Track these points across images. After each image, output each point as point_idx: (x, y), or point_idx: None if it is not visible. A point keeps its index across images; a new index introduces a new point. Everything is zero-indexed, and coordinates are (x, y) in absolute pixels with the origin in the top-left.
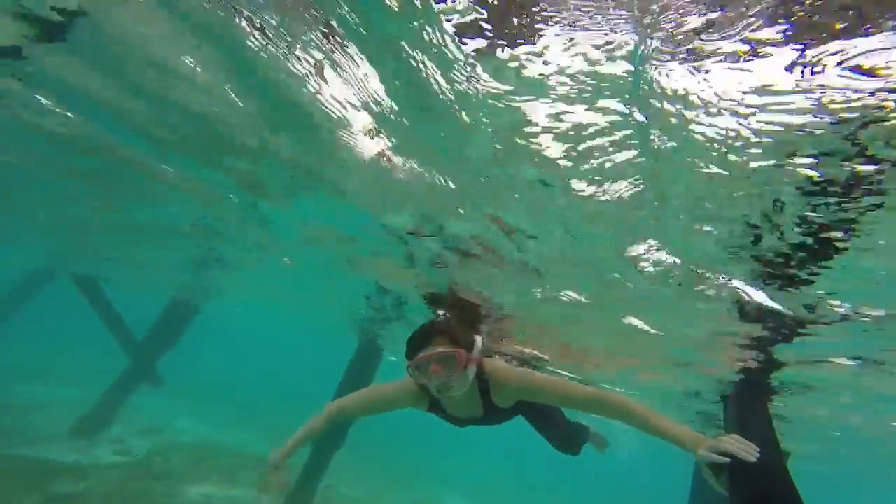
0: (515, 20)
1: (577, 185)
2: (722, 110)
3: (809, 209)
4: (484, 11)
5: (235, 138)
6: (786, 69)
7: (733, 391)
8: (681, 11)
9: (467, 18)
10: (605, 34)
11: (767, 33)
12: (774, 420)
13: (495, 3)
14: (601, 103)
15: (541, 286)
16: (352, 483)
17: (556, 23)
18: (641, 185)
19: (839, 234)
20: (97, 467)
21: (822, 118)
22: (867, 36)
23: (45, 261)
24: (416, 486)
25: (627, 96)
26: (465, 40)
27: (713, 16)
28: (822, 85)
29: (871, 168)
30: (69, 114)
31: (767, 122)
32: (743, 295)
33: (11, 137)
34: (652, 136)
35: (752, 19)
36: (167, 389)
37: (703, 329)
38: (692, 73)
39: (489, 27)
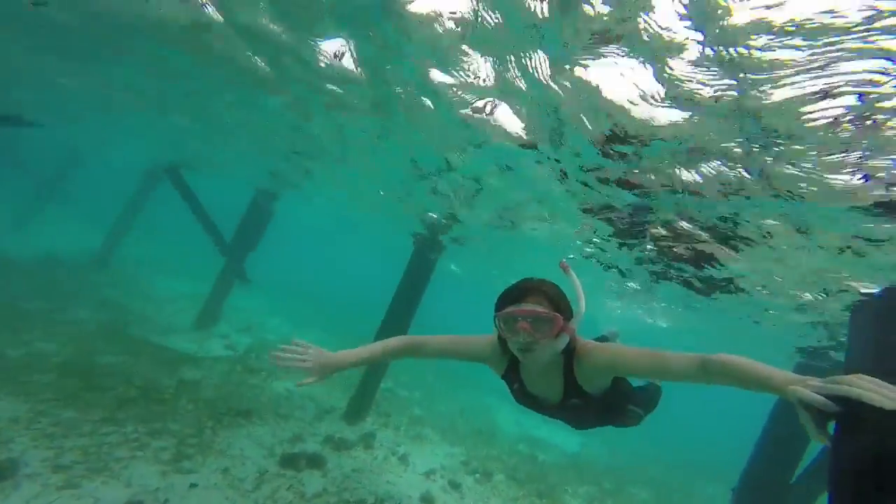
0: None
1: None
2: None
3: None
4: None
5: None
6: None
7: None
8: None
9: None
10: None
11: None
12: None
13: None
14: None
15: None
16: (409, 386)
17: None
18: None
19: None
20: (210, 359)
21: None
22: None
23: (166, 161)
24: (470, 393)
25: None
26: None
27: None
28: None
29: None
30: None
31: None
32: None
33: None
34: None
35: None
36: (255, 290)
37: None
38: None
39: None
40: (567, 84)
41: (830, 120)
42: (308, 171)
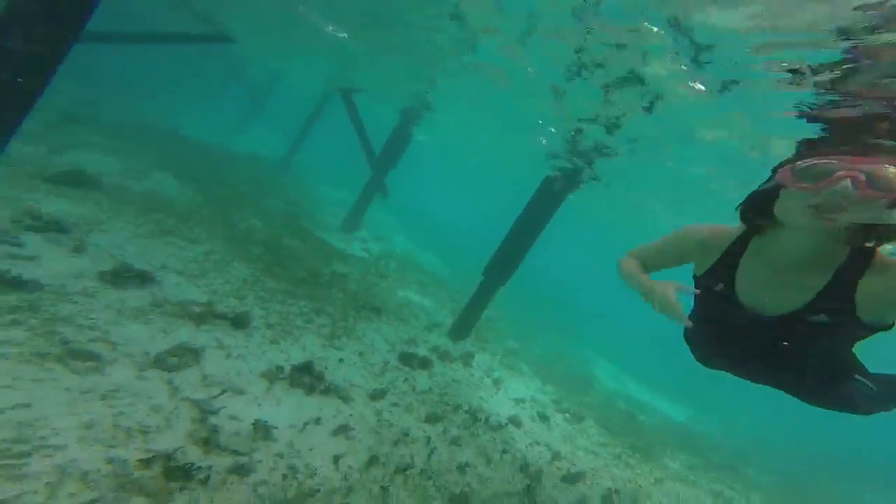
0: None
1: None
2: None
3: None
4: None
5: None
6: None
7: None
8: None
9: None
10: None
11: None
12: None
13: None
14: None
15: None
16: (508, 321)
17: None
18: None
19: None
20: (353, 257)
21: None
22: None
23: (339, 83)
24: (567, 343)
25: None
26: None
27: None
28: None
29: None
30: None
31: None
32: None
33: None
34: None
35: None
36: (387, 207)
37: None
38: None
39: None
40: None
41: None
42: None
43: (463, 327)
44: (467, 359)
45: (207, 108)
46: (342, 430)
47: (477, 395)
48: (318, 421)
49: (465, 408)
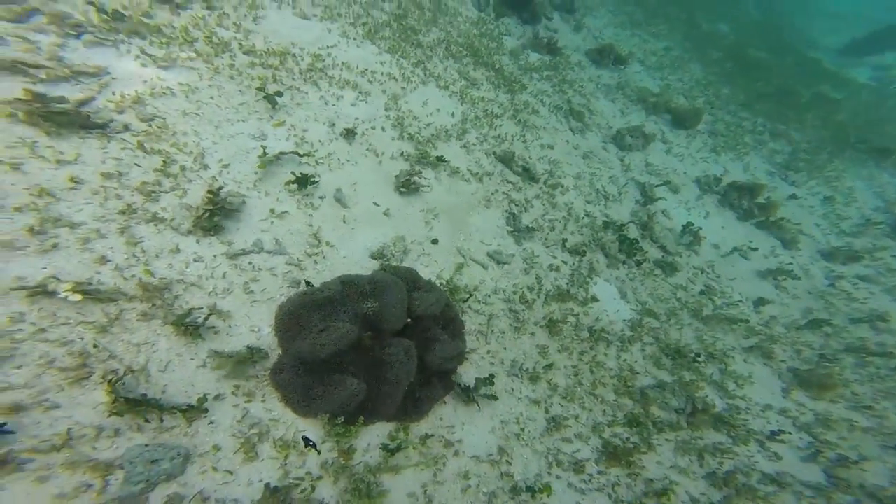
0: None
1: None
2: None
3: None
4: None
5: None
6: None
7: None
8: None
9: None
10: None
11: None
12: None
13: None
14: None
15: None
16: None
17: None
18: None
19: None
20: (854, 84)
21: None
22: None
23: None
24: None
25: None
26: None
27: None
28: None
29: None
30: None
31: None
32: None
33: None
34: None
35: None
36: None
37: None
38: None
39: None
40: None
41: None
42: None
43: None
44: None
45: None
46: (775, 274)
47: None
48: (746, 253)
49: None
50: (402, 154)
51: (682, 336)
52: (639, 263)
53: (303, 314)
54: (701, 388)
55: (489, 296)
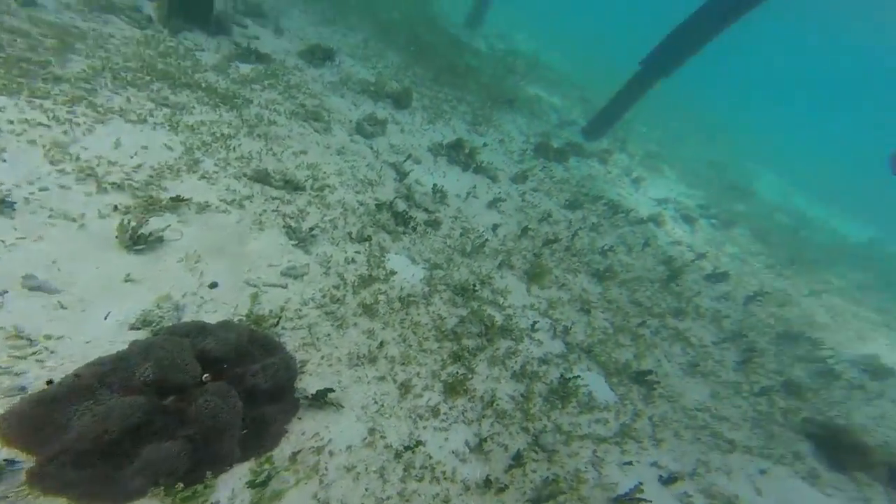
0: None
1: None
2: None
3: None
4: None
5: None
6: None
7: None
8: None
9: None
10: None
11: None
12: None
13: None
14: None
15: None
16: (649, 124)
17: None
18: None
19: None
20: (481, 53)
21: None
22: None
23: None
24: (721, 150)
25: None
26: None
27: None
28: None
29: None
30: None
31: None
32: None
33: None
34: None
35: None
36: (510, 3)
37: None
38: None
39: None
40: None
41: None
42: None
43: (600, 125)
44: (604, 156)
45: None
46: (494, 203)
47: (615, 191)
48: (474, 194)
49: (604, 200)
50: (116, 208)
51: (461, 274)
52: (414, 229)
53: (55, 408)
54: (485, 310)
55: (300, 309)
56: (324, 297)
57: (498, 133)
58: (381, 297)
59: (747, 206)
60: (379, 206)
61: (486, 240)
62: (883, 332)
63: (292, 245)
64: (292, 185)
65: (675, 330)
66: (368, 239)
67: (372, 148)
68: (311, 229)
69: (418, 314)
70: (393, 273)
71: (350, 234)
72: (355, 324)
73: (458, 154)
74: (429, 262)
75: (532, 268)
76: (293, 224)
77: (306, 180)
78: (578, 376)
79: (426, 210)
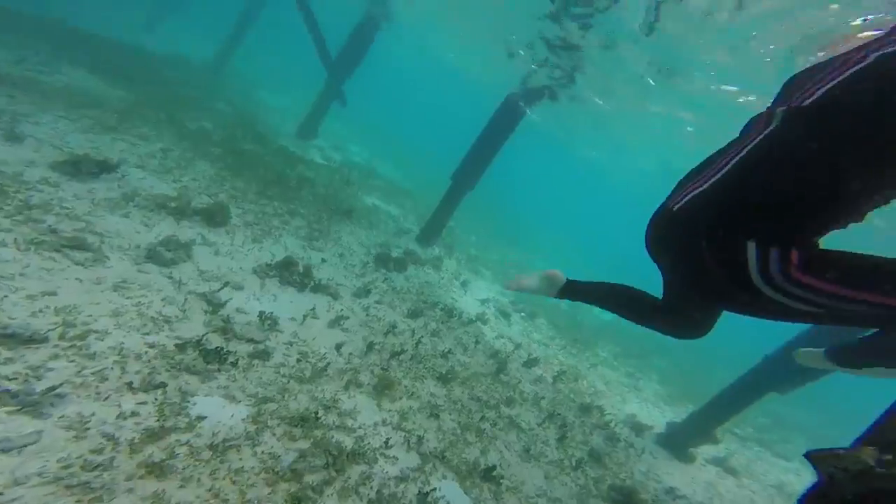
0: None
1: None
2: None
3: None
4: None
5: None
6: None
7: None
8: None
9: None
10: None
11: None
12: None
13: None
14: None
15: None
16: (467, 230)
17: None
18: None
19: None
20: (315, 163)
21: None
22: None
23: None
24: (515, 251)
25: None
26: None
27: None
28: None
29: None
30: None
31: None
32: None
33: None
34: None
35: None
36: (343, 117)
37: None
38: None
39: None
40: None
41: None
42: None
43: (431, 233)
44: (437, 263)
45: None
46: (337, 321)
47: (449, 296)
48: (313, 315)
49: (441, 306)
50: None
51: (299, 403)
52: (234, 364)
53: None
54: (332, 437)
55: (3, 493)
56: (65, 467)
57: (338, 247)
58: (182, 450)
59: (540, 299)
60: (181, 346)
61: (329, 362)
62: (634, 393)
63: (6, 412)
64: (19, 340)
65: (508, 418)
66: (162, 386)
67: (171, 277)
68: (53, 388)
69: (240, 459)
70: (200, 419)
71: (130, 384)
72: (129, 490)
73: (290, 274)
74: (255, 398)
75: (380, 382)
76: (13, 387)
77: (50, 329)
78: (435, 489)
79: (251, 341)
